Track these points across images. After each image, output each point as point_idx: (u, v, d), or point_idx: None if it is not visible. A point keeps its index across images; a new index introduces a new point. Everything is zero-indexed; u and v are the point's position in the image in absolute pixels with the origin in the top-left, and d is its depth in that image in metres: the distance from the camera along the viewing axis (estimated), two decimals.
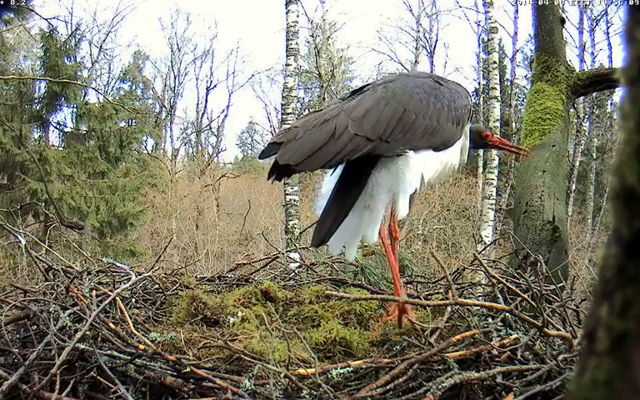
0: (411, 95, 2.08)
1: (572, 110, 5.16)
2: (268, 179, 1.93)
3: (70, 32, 16.83)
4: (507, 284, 2.22)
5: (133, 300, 2.31)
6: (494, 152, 11.12)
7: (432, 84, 2.19)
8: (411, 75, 2.25)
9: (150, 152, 25.74)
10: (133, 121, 18.51)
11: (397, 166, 2.07)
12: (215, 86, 27.29)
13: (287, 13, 7.80)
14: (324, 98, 17.07)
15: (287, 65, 7.82)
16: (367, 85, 2.22)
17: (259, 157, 2.05)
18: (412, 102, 2.06)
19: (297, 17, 7.93)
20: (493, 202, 11.55)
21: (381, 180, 2.07)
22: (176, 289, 2.50)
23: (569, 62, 3.94)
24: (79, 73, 16.70)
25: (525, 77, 20.26)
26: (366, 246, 3.05)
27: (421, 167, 2.14)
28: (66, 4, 26.47)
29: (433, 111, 2.11)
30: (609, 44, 19.18)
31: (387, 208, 2.16)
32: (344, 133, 1.91)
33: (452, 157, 2.30)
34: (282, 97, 7.91)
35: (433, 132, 2.11)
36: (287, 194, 7.72)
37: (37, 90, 15.82)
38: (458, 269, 2.87)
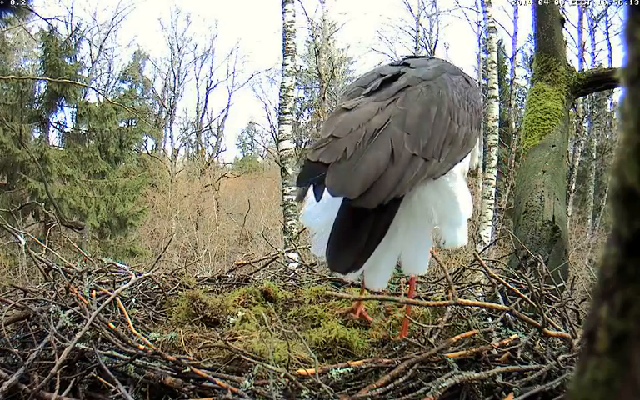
0: (453, 99, 1.73)
1: (572, 110, 5.16)
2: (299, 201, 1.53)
3: (70, 32, 16.87)
4: (507, 284, 2.22)
5: (133, 300, 2.31)
6: (494, 151, 11.14)
7: (465, 83, 1.86)
8: (445, 69, 1.85)
9: (150, 152, 25.78)
10: (133, 121, 18.54)
11: (445, 183, 1.73)
12: (215, 86, 27.35)
13: (283, 13, 7.78)
14: (324, 98, 17.07)
15: (285, 64, 7.80)
16: (399, 72, 1.77)
17: (298, 184, 1.53)
18: (455, 107, 1.73)
19: (294, 16, 7.91)
20: (492, 202, 11.54)
21: (426, 199, 1.69)
22: (176, 289, 2.50)
23: (569, 62, 3.94)
24: (79, 73, 16.74)
25: (525, 77, 20.31)
26: None
27: (464, 183, 1.85)
28: (66, 4, 26.55)
29: (467, 117, 1.78)
30: (609, 44, 19.21)
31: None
32: (403, 153, 1.49)
33: (468, 162, 2.01)
34: (280, 96, 7.91)
35: (468, 141, 1.79)
36: (286, 194, 7.71)
37: (37, 90, 15.86)
38: (458, 269, 2.87)
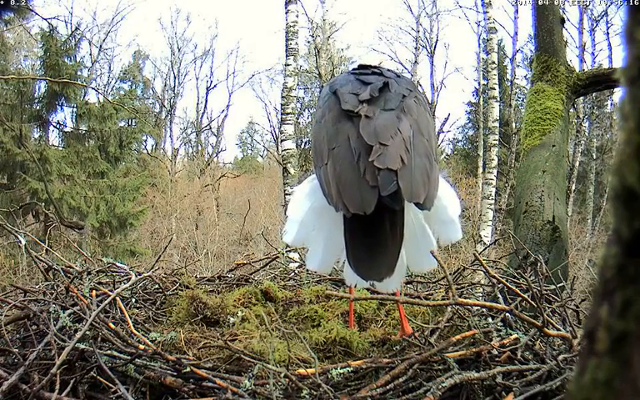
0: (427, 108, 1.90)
1: (572, 110, 5.16)
2: (369, 211, 1.41)
3: (70, 32, 16.85)
4: (507, 284, 2.21)
5: (133, 300, 2.31)
6: (494, 151, 11.13)
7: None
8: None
9: (150, 152, 25.79)
10: (133, 121, 18.55)
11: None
12: (215, 86, 27.40)
13: (286, 13, 7.78)
14: None
15: (287, 65, 7.80)
16: (384, 83, 1.74)
17: (384, 194, 1.42)
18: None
19: (297, 17, 7.92)
20: (492, 202, 11.55)
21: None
22: (176, 289, 2.50)
23: (569, 62, 3.94)
24: (79, 73, 16.74)
25: (525, 77, 20.32)
26: None
27: (446, 183, 1.93)
28: (66, 4, 26.67)
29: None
30: (609, 44, 19.22)
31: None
32: (432, 160, 1.59)
33: None
34: (282, 97, 7.90)
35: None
36: (287, 194, 7.70)
37: (37, 90, 15.87)
38: (458, 269, 2.87)
